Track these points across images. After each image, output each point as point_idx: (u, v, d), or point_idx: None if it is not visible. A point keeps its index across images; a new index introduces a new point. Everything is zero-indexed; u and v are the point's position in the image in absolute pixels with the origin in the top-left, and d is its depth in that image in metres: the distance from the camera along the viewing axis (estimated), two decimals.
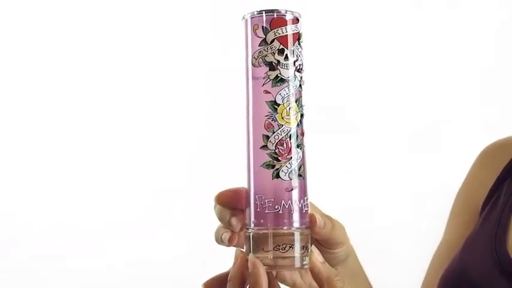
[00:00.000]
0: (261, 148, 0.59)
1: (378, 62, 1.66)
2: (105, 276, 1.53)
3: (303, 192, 0.61)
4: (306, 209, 0.61)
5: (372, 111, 1.66)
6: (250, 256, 0.60)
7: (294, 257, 0.60)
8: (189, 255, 1.55)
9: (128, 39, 1.57)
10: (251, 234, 0.60)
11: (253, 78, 0.60)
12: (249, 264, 0.59)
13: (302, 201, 0.60)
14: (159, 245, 1.56)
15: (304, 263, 0.60)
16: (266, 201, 0.59)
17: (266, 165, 0.59)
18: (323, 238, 0.64)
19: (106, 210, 1.55)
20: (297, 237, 0.60)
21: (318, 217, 0.61)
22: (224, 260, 0.68)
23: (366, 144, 1.65)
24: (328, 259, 0.65)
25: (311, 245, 0.61)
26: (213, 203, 0.64)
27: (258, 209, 0.60)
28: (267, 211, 0.59)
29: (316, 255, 0.61)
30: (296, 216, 0.60)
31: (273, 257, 0.59)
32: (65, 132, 1.56)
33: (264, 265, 0.59)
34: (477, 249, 0.79)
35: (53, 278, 1.52)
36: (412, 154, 1.66)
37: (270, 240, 0.59)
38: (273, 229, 0.59)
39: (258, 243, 0.60)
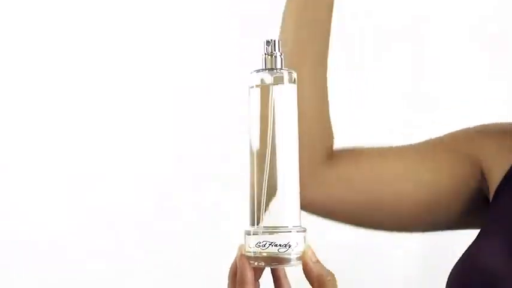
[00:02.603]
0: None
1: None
2: (103, 275, 1.54)
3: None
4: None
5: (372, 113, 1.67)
6: (238, 251, 0.63)
7: (284, 253, 0.62)
8: (187, 255, 1.55)
9: (128, 39, 1.56)
10: (246, 229, 0.64)
11: None
12: (237, 259, 0.63)
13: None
14: (155, 245, 1.56)
15: (295, 260, 0.63)
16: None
17: None
18: None
19: (103, 209, 1.56)
20: (287, 235, 0.62)
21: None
22: (221, 259, 0.71)
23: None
24: None
25: (305, 243, 0.63)
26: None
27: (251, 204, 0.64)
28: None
29: (310, 254, 0.63)
30: (287, 216, 0.63)
31: (261, 253, 0.62)
32: (63, 131, 1.56)
33: (251, 260, 0.62)
34: (491, 242, 0.79)
35: (52, 277, 1.53)
36: None
37: (259, 236, 0.62)
38: (264, 227, 0.63)
39: (250, 240, 0.63)
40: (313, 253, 0.63)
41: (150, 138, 1.59)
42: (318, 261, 0.62)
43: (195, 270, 1.55)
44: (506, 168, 0.83)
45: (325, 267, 0.62)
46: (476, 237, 0.82)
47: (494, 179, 0.84)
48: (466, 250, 0.81)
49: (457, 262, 0.81)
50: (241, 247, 0.63)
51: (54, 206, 1.54)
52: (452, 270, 0.82)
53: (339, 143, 1.60)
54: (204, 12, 1.60)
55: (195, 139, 1.60)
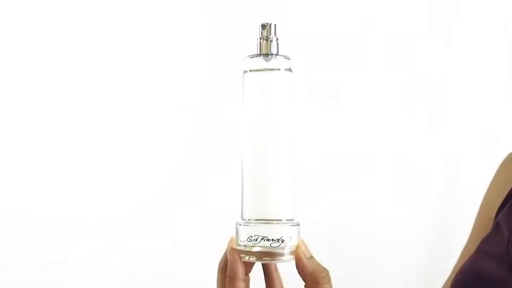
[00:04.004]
0: None
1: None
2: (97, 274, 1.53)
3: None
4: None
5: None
6: (228, 244, 0.61)
7: (277, 248, 0.60)
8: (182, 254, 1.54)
9: (128, 39, 1.55)
10: (237, 226, 0.62)
11: None
12: (227, 253, 0.60)
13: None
14: (146, 245, 1.55)
15: (287, 255, 0.60)
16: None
17: None
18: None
19: (99, 209, 1.54)
20: (280, 228, 0.60)
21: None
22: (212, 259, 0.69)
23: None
24: None
25: (298, 239, 0.61)
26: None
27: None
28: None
29: (303, 249, 0.60)
30: (280, 209, 0.61)
31: (253, 248, 0.60)
32: (62, 132, 1.54)
33: (242, 254, 0.60)
34: (491, 250, 0.78)
35: (50, 277, 1.52)
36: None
37: (252, 232, 0.60)
38: (256, 220, 0.61)
39: (241, 233, 0.61)
40: (307, 248, 0.60)
41: (150, 139, 1.58)
42: (311, 256, 0.60)
43: (183, 270, 1.54)
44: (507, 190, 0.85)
45: (319, 263, 0.60)
46: (479, 244, 0.82)
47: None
48: (469, 258, 0.81)
49: (460, 269, 0.81)
50: (232, 240, 0.61)
51: (52, 207, 1.53)
52: (455, 277, 0.81)
53: (341, 147, 1.61)
54: (204, 13, 1.59)
55: (194, 138, 1.58)
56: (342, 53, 1.61)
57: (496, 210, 0.85)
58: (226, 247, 0.62)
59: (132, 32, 1.56)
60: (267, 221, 0.60)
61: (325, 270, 0.59)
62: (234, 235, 0.62)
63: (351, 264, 1.60)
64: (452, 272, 0.91)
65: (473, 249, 0.85)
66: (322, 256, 0.62)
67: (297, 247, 0.60)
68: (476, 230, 0.89)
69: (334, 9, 1.62)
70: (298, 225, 0.61)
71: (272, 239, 0.59)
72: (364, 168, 1.63)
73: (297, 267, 0.60)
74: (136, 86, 1.57)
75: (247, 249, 0.60)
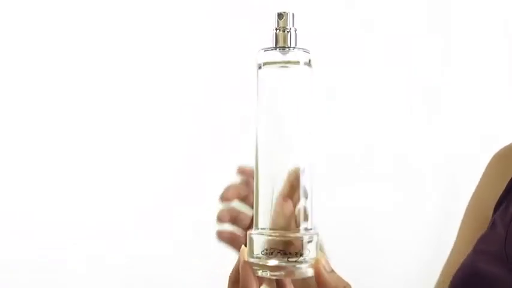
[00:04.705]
0: None
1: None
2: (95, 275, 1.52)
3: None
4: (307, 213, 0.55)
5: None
6: (240, 256, 0.55)
7: (294, 263, 0.53)
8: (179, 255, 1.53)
9: (128, 39, 1.54)
10: (250, 235, 0.55)
11: None
12: (240, 266, 0.54)
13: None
14: (146, 245, 1.54)
15: (305, 270, 0.53)
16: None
17: None
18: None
19: (97, 210, 1.53)
20: (298, 240, 0.53)
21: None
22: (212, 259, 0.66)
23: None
24: None
25: (317, 252, 0.54)
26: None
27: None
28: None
29: (323, 263, 0.54)
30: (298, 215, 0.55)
31: (267, 262, 0.53)
32: (62, 132, 1.53)
33: (255, 267, 0.54)
34: (488, 249, 0.78)
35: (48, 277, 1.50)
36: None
37: (267, 244, 0.53)
38: (270, 230, 0.54)
39: (255, 245, 0.54)
40: (327, 261, 0.54)
41: (150, 139, 1.57)
42: (332, 270, 0.54)
43: (182, 270, 1.53)
44: (501, 188, 0.83)
45: (341, 278, 0.54)
46: (476, 243, 0.81)
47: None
48: (467, 257, 0.80)
49: (458, 269, 0.80)
50: (243, 251, 0.54)
51: (52, 207, 1.52)
52: (453, 276, 0.80)
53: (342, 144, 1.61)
54: (205, 13, 1.58)
55: (194, 138, 1.57)
56: (341, 52, 1.60)
57: (489, 207, 0.84)
58: (237, 258, 0.56)
59: (132, 33, 1.55)
60: (284, 232, 0.53)
61: (348, 286, 0.54)
62: (246, 245, 0.56)
63: (351, 264, 1.59)
64: (441, 275, 0.90)
65: (463, 247, 0.84)
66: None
67: (317, 261, 0.54)
68: (467, 229, 0.87)
69: (334, 9, 1.62)
70: (317, 235, 0.54)
71: (290, 253, 0.52)
72: (364, 168, 1.63)
73: (317, 282, 0.53)
74: (136, 87, 1.56)
75: (261, 263, 0.53)
